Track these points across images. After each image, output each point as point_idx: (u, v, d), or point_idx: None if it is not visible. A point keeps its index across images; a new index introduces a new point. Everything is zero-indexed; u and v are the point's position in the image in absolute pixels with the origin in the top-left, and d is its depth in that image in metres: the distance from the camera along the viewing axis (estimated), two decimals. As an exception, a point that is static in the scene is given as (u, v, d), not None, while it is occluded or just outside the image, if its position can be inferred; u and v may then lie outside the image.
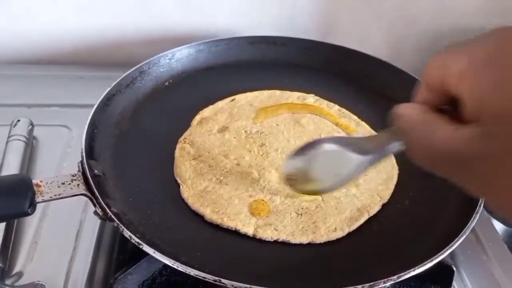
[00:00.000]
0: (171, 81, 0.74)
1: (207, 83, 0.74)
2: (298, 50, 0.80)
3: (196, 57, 0.77)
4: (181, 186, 0.57)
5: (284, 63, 0.79)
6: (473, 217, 0.51)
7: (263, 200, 0.55)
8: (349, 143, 0.45)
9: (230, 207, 0.54)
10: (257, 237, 0.52)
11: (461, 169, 0.32)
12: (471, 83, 0.31)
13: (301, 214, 0.54)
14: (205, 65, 0.77)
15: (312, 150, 0.47)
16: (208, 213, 0.54)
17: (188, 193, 0.56)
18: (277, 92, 0.72)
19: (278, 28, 0.86)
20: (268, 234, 0.52)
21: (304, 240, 0.52)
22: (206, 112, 0.68)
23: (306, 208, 0.55)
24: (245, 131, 0.64)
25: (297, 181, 0.50)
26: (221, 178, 0.58)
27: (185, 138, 0.63)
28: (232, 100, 0.70)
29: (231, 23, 0.87)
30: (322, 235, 0.52)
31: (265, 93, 0.72)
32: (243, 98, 0.71)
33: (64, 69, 0.83)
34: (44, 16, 0.83)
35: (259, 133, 0.64)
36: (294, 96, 0.72)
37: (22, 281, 0.52)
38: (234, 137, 0.63)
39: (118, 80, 0.67)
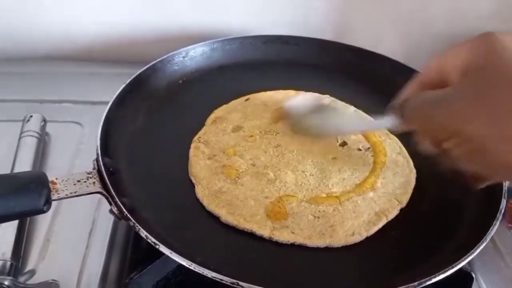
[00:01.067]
0: (184, 79, 0.73)
1: (221, 82, 0.74)
2: (312, 50, 0.79)
3: (209, 56, 0.76)
4: (196, 186, 0.56)
5: (298, 63, 0.79)
6: (494, 223, 0.50)
7: (279, 202, 0.55)
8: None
9: (245, 209, 0.53)
10: (274, 240, 0.51)
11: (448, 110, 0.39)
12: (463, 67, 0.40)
13: (318, 217, 0.53)
14: (218, 64, 0.76)
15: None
16: (224, 214, 0.53)
17: (203, 193, 0.55)
18: (292, 92, 0.72)
19: (292, 28, 0.85)
20: (284, 237, 0.51)
21: (322, 244, 0.51)
22: (220, 111, 0.67)
23: (324, 211, 0.54)
24: (260, 132, 0.64)
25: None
26: (237, 178, 0.57)
27: (200, 138, 0.63)
28: (247, 99, 0.69)
29: (244, 22, 0.86)
30: (340, 239, 0.51)
31: (280, 93, 0.71)
32: (257, 98, 0.70)
33: (77, 66, 0.83)
34: (58, 13, 0.83)
35: (274, 134, 0.63)
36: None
37: (34, 279, 0.52)
38: (249, 137, 0.63)
39: (132, 77, 0.66)
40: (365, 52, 0.78)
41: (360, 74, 0.76)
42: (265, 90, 0.72)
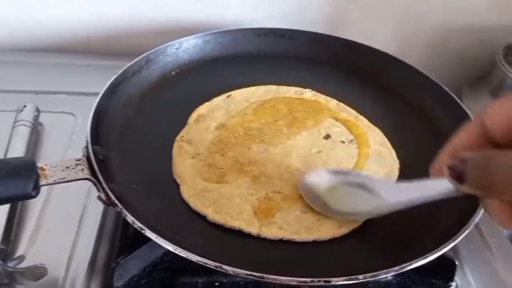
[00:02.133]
0: (177, 70, 0.74)
1: (214, 74, 0.74)
2: (306, 43, 0.80)
3: (202, 48, 0.76)
4: (180, 186, 0.56)
5: (291, 56, 0.79)
6: (477, 212, 0.50)
7: (265, 198, 0.55)
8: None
9: (232, 206, 0.53)
10: (262, 236, 0.51)
11: None
12: None
13: (305, 212, 0.53)
14: (211, 56, 0.77)
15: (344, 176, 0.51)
16: (211, 213, 0.53)
17: (188, 193, 0.55)
18: (273, 87, 0.71)
19: (287, 21, 0.86)
20: (272, 233, 0.51)
21: (309, 238, 0.51)
22: (203, 109, 0.67)
23: (310, 205, 0.54)
24: (243, 128, 0.63)
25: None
26: (222, 176, 0.57)
27: (182, 137, 0.62)
28: (228, 96, 0.69)
29: (239, 15, 0.87)
30: (327, 233, 0.52)
31: (262, 88, 0.71)
32: (239, 94, 0.69)
33: (72, 57, 0.83)
34: (55, 5, 0.84)
35: (257, 130, 0.63)
36: (291, 91, 0.71)
37: (24, 264, 0.52)
38: (233, 134, 0.62)
39: (124, 68, 0.67)
40: (359, 45, 0.78)
41: (353, 67, 0.76)
42: (257, 82, 0.72)
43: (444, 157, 0.38)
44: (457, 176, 0.34)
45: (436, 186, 0.39)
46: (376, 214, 0.49)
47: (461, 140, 0.37)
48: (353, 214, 0.52)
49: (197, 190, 0.55)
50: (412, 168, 0.60)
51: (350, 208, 0.51)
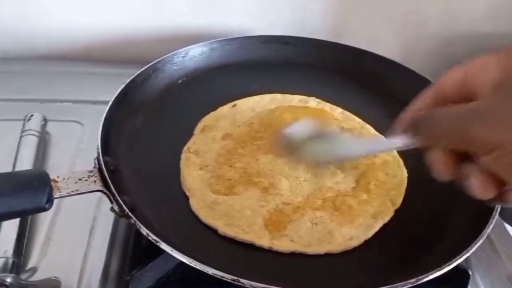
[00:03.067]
0: (184, 79, 0.74)
1: (220, 82, 0.74)
2: (310, 50, 0.80)
3: (209, 56, 0.77)
4: (190, 199, 0.56)
5: (296, 63, 0.79)
6: (490, 221, 0.51)
7: (275, 210, 0.54)
8: None
9: (243, 219, 0.53)
10: (273, 249, 0.51)
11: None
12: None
13: (316, 224, 0.53)
14: (218, 64, 0.77)
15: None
16: (221, 226, 0.52)
17: (198, 205, 0.55)
18: (279, 96, 0.71)
19: (290, 29, 0.86)
20: (284, 246, 0.51)
21: (321, 250, 0.51)
22: (208, 119, 0.66)
23: (321, 217, 0.54)
24: (250, 138, 0.63)
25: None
26: (231, 188, 0.57)
27: (189, 148, 0.62)
28: (234, 105, 0.69)
29: (243, 23, 0.87)
30: (339, 245, 0.52)
31: (267, 97, 0.71)
32: (244, 104, 0.69)
33: (77, 65, 0.83)
34: (59, 13, 0.83)
35: (264, 140, 0.63)
36: (296, 99, 0.71)
37: (36, 276, 0.52)
38: (240, 145, 0.62)
39: (132, 76, 0.67)
40: (362, 52, 0.78)
41: (358, 74, 0.77)
42: (263, 90, 0.72)
43: (404, 117, 0.46)
44: (413, 129, 0.43)
45: (395, 141, 0.46)
46: (344, 160, 0.57)
47: (419, 103, 0.45)
48: (323, 160, 0.56)
49: (207, 202, 0.55)
50: (419, 176, 0.60)
51: (320, 155, 0.54)
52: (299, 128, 0.55)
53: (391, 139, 0.46)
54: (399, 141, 0.45)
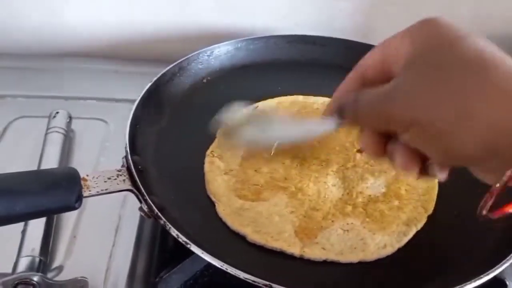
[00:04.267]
0: (208, 78, 0.73)
1: (244, 82, 0.73)
2: (337, 50, 0.78)
3: (234, 55, 0.76)
4: (216, 204, 0.54)
5: (322, 63, 0.78)
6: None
7: (305, 217, 0.53)
8: None
9: (272, 226, 0.52)
10: (305, 258, 0.50)
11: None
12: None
13: (348, 231, 0.52)
14: (242, 63, 0.76)
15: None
16: (250, 233, 0.51)
17: (225, 212, 0.53)
18: (300, 97, 0.70)
19: (317, 29, 0.84)
20: (316, 254, 0.50)
21: (354, 259, 0.50)
22: None
23: (352, 223, 0.53)
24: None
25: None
26: (257, 193, 0.55)
27: (213, 151, 0.60)
28: (256, 107, 0.67)
29: (268, 23, 0.86)
30: (372, 253, 0.50)
31: (289, 99, 0.69)
32: (266, 106, 0.68)
33: (102, 62, 0.83)
34: (83, 10, 0.83)
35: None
36: (319, 102, 0.69)
37: (62, 275, 0.52)
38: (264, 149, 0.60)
39: (158, 75, 0.66)
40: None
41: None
42: (286, 92, 0.71)
43: (332, 101, 0.47)
44: (339, 111, 0.43)
45: (324, 124, 0.46)
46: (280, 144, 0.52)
47: (345, 85, 0.46)
48: (259, 144, 0.54)
49: (233, 208, 0.53)
50: (453, 182, 0.58)
51: (255, 140, 0.53)
52: (235, 112, 0.54)
53: (322, 121, 0.47)
54: (329, 123, 0.45)
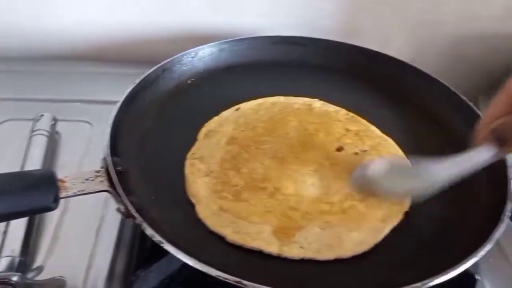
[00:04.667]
0: (193, 79, 0.73)
1: (228, 83, 0.74)
2: (320, 50, 0.79)
3: (218, 56, 0.76)
4: (196, 206, 0.55)
5: (306, 64, 0.78)
6: (498, 226, 0.50)
7: (283, 216, 0.54)
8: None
9: (250, 226, 0.53)
10: (282, 256, 0.51)
11: None
12: None
13: (325, 229, 0.53)
14: (226, 64, 0.77)
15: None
16: (230, 234, 0.52)
17: (205, 213, 0.54)
18: (282, 98, 0.70)
19: (301, 29, 0.85)
20: (294, 253, 0.51)
21: (331, 256, 0.51)
22: (212, 124, 0.65)
23: (329, 222, 0.53)
24: (255, 142, 0.62)
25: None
26: (237, 194, 0.56)
27: (194, 154, 0.61)
28: (237, 109, 0.68)
29: (254, 23, 0.86)
30: (348, 250, 0.51)
31: (270, 100, 0.70)
32: (248, 107, 0.68)
33: (88, 65, 0.84)
34: (70, 13, 0.84)
35: (269, 144, 0.62)
36: (299, 102, 0.70)
37: (42, 275, 0.52)
38: (244, 150, 0.61)
39: (142, 77, 0.66)
40: (373, 52, 0.78)
41: (366, 75, 0.76)
42: (270, 93, 0.71)
43: (483, 127, 0.44)
44: (499, 137, 0.41)
45: (478, 155, 0.44)
46: (427, 191, 0.50)
47: (494, 110, 0.44)
48: (405, 193, 0.55)
49: (213, 210, 0.54)
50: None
51: (402, 188, 0.53)
52: (376, 165, 0.54)
53: (475, 153, 0.45)
54: (485, 153, 0.43)
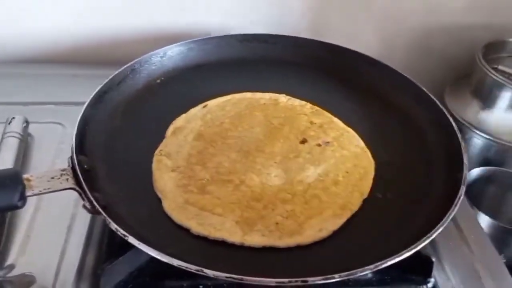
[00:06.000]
0: (162, 78, 0.75)
1: (197, 82, 0.75)
2: (288, 47, 0.81)
3: (187, 55, 0.78)
4: (162, 201, 0.56)
5: (274, 61, 0.80)
6: (452, 209, 0.52)
7: (246, 207, 0.55)
8: None
9: (214, 218, 0.54)
10: (246, 245, 0.52)
11: None
12: None
13: (287, 217, 0.55)
14: (196, 63, 0.78)
15: None
16: (194, 226, 0.53)
17: (170, 206, 0.55)
18: (248, 94, 0.72)
19: (270, 27, 0.87)
20: (256, 241, 0.52)
21: (292, 243, 0.52)
22: (179, 121, 0.67)
23: (291, 210, 0.55)
24: (221, 137, 0.64)
25: None
26: (203, 188, 0.57)
27: (161, 150, 0.62)
28: (204, 106, 0.70)
29: (223, 22, 0.88)
30: (309, 237, 0.53)
31: (237, 96, 0.72)
32: (215, 104, 0.70)
33: (59, 67, 0.85)
34: (40, 17, 0.85)
35: (235, 139, 0.64)
36: (266, 97, 0.72)
37: (14, 273, 0.54)
38: (211, 145, 0.63)
39: (110, 77, 0.68)
40: (340, 48, 0.79)
41: (332, 70, 0.78)
42: (238, 90, 0.73)
43: None
44: None
45: None
46: None
47: None
48: None
49: (179, 203, 0.56)
50: (389, 167, 0.62)
51: None
52: None
53: None
54: None
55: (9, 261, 0.55)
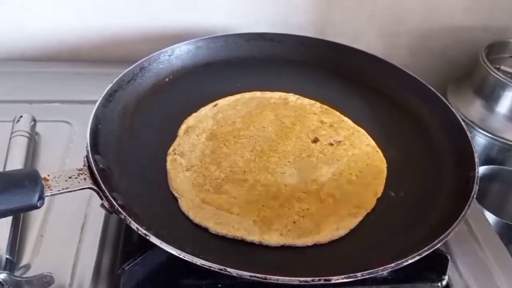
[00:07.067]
0: (171, 77, 0.75)
1: (205, 80, 0.76)
2: (293, 46, 0.82)
3: (195, 54, 0.78)
4: (179, 200, 0.57)
5: (280, 60, 0.81)
6: (466, 207, 0.53)
7: (263, 206, 0.56)
8: None
9: (232, 217, 0.55)
10: (264, 244, 0.53)
11: None
12: None
13: (303, 217, 0.55)
14: (204, 61, 0.78)
15: None
16: (212, 225, 0.54)
17: (187, 206, 0.56)
18: (258, 93, 0.73)
19: (274, 26, 0.87)
20: (274, 240, 0.53)
21: (309, 242, 0.53)
22: (191, 120, 0.67)
23: (307, 209, 0.56)
24: (234, 137, 0.64)
25: None
26: (218, 187, 0.58)
27: (175, 149, 0.63)
28: (215, 105, 0.70)
29: (228, 21, 0.88)
30: (326, 235, 0.54)
31: (247, 96, 0.72)
32: (225, 103, 0.71)
33: (65, 66, 0.84)
34: (46, 15, 0.85)
35: (248, 138, 0.65)
36: (275, 96, 0.72)
37: (30, 273, 0.53)
38: (224, 144, 0.63)
39: (120, 76, 0.68)
40: (344, 47, 0.80)
41: (338, 69, 0.78)
42: (246, 88, 0.73)
43: None
44: None
45: None
46: None
47: None
48: None
49: (196, 203, 0.56)
50: (399, 166, 0.63)
51: None
52: None
53: None
54: None
55: (24, 261, 0.55)
